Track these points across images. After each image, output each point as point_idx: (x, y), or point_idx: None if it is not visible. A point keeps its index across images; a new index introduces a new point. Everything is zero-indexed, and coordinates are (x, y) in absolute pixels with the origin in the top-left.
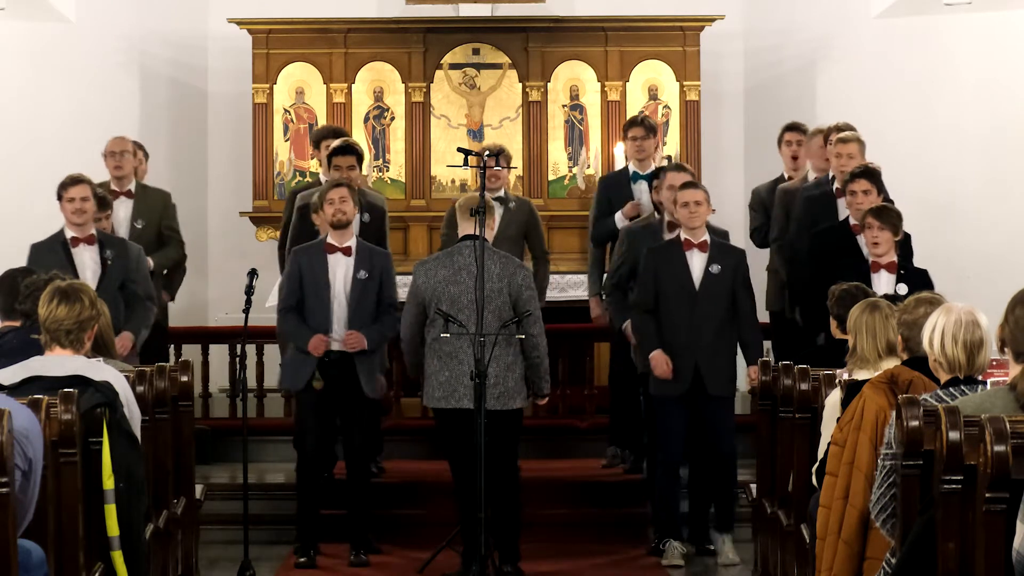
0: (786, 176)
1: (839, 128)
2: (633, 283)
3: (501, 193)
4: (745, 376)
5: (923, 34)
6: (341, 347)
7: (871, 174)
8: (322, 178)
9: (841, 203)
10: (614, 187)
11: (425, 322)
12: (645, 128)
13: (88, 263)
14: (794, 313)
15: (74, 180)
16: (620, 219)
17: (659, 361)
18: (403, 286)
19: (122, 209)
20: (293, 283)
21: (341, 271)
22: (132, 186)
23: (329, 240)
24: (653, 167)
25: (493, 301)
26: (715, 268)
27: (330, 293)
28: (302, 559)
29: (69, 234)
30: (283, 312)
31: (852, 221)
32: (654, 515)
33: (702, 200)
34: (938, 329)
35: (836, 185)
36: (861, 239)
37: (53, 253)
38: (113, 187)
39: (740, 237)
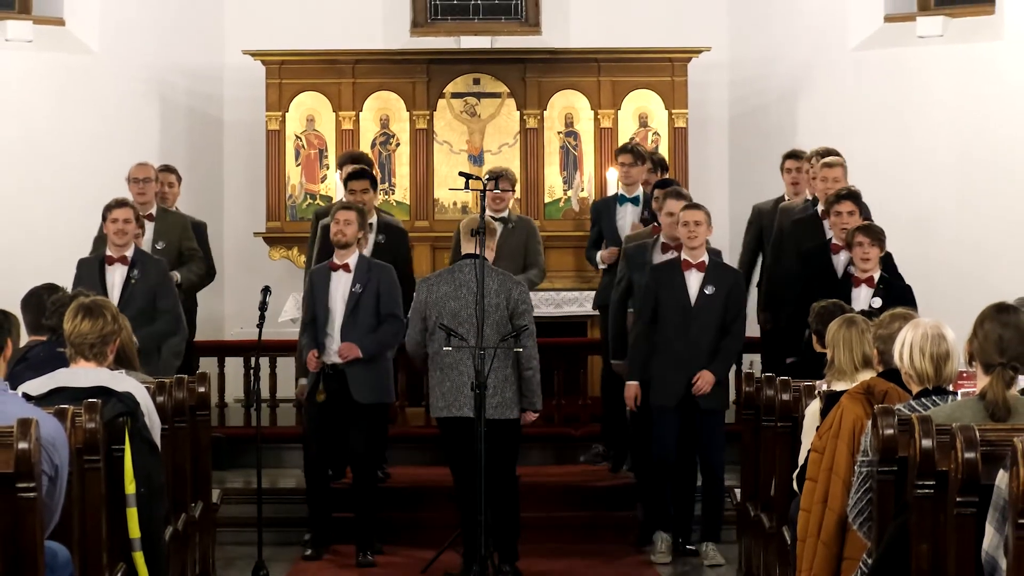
0: (787, 199)
1: (824, 153)
2: (631, 301)
3: (505, 214)
4: (700, 377)
5: (898, 65)
6: (335, 361)
7: (855, 196)
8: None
9: (826, 224)
10: (603, 212)
11: (441, 330)
12: (633, 155)
13: (116, 281)
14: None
15: (119, 203)
16: (599, 262)
17: (630, 394)
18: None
19: (144, 232)
20: (307, 301)
21: (340, 287)
22: (153, 210)
23: (333, 259)
24: (641, 191)
25: (492, 315)
26: (710, 289)
27: (329, 309)
28: (308, 552)
29: (108, 252)
30: (301, 330)
31: (834, 241)
32: (644, 510)
33: (702, 221)
34: (907, 343)
35: (821, 207)
36: (837, 258)
37: (91, 269)
38: None
39: (726, 257)
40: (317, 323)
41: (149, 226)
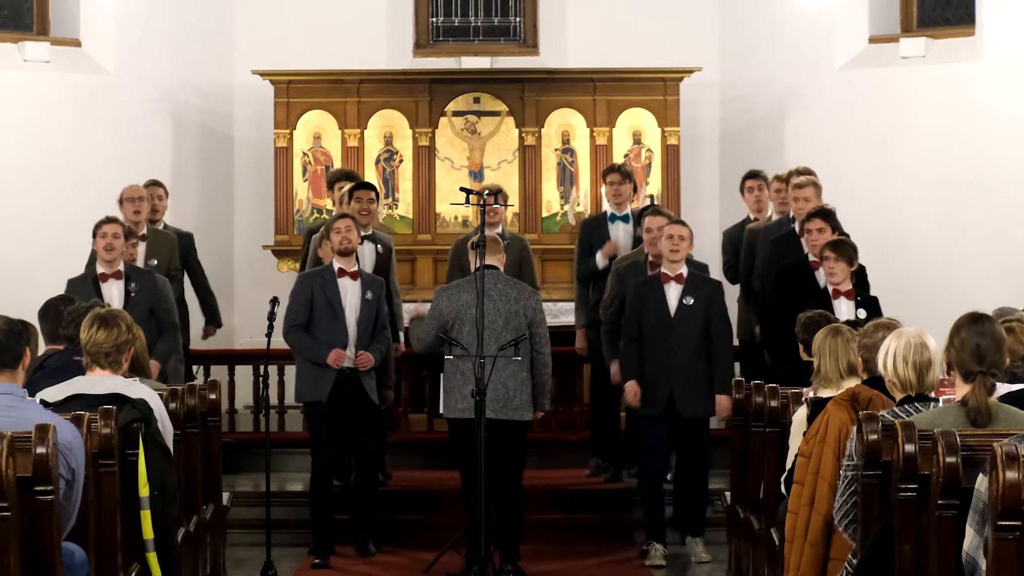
0: (751, 218)
1: (797, 172)
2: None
3: (499, 230)
4: (717, 405)
5: (882, 85)
6: (352, 364)
7: (825, 214)
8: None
9: (804, 241)
10: (594, 229)
11: (443, 339)
12: (621, 175)
13: (115, 296)
14: (757, 340)
15: (107, 219)
16: (600, 259)
17: (631, 391)
18: (411, 312)
19: (137, 252)
20: (302, 304)
21: (352, 293)
22: (144, 231)
23: (338, 266)
24: (629, 209)
25: (512, 321)
26: (688, 300)
27: (344, 314)
28: (317, 560)
29: (100, 270)
30: (293, 329)
31: (811, 257)
32: (643, 520)
33: (686, 236)
34: (890, 352)
35: (796, 225)
36: (819, 273)
37: (85, 287)
38: None
39: (715, 270)
40: (319, 326)
41: (141, 245)
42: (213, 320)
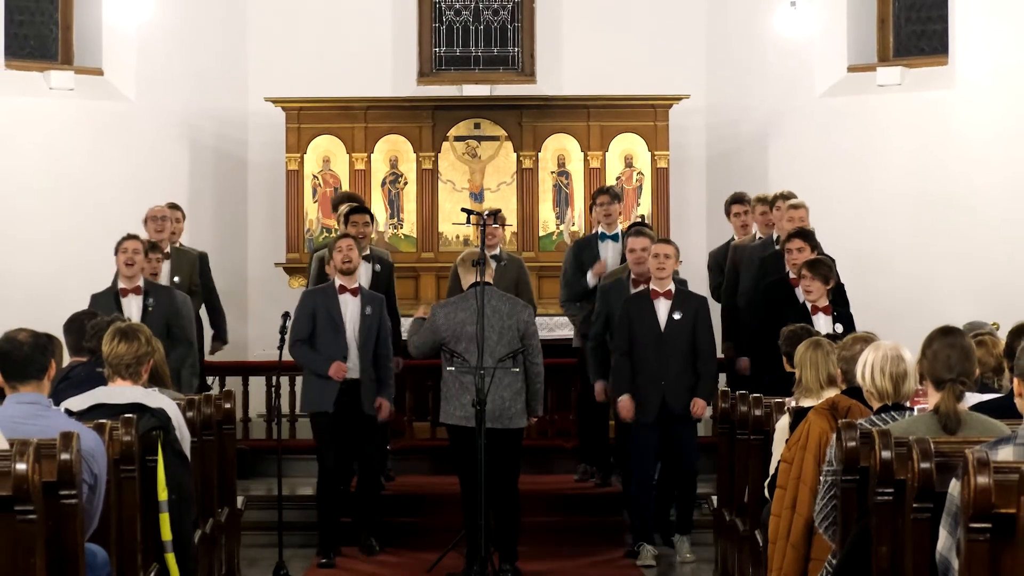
0: (736, 240)
1: (784, 196)
2: (609, 333)
3: (496, 251)
4: (693, 404)
5: (860, 111)
6: (356, 375)
7: (805, 235)
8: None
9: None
10: (585, 249)
11: (438, 351)
12: (611, 196)
13: (134, 311)
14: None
15: (128, 236)
16: (591, 277)
17: (624, 406)
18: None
19: (161, 268)
20: (305, 320)
21: (351, 309)
22: (168, 249)
23: (339, 283)
24: (619, 228)
25: (505, 336)
26: (678, 314)
27: (344, 328)
28: (323, 560)
29: (120, 285)
30: (296, 344)
31: (792, 275)
32: (631, 523)
33: (671, 254)
34: (868, 364)
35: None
36: (799, 290)
37: (106, 302)
38: None
39: (702, 288)
40: (321, 340)
41: (165, 263)
42: (220, 337)
